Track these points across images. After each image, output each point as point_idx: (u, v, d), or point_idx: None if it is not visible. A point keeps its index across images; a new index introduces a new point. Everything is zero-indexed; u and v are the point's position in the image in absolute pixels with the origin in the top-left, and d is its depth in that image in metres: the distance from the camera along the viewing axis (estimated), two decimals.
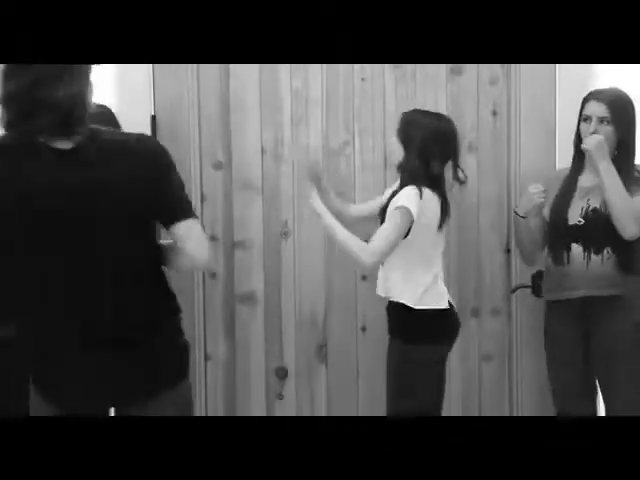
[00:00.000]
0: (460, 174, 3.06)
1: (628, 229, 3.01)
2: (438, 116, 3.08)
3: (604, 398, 3.16)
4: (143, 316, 2.19)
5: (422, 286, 2.98)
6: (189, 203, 2.27)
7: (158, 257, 2.29)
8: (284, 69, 3.46)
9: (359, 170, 3.51)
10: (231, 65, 3.46)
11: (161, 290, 2.29)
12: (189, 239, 2.21)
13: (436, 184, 2.98)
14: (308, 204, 3.03)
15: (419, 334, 2.99)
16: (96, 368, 2.12)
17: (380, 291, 3.09)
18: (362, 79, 3.49)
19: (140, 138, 2.24)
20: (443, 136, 3.01)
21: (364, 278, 3.48)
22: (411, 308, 2.96)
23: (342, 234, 2.93)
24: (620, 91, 3.11)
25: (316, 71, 3.47)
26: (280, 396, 3.56)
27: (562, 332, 3.19)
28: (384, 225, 2.93)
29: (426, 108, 3.19)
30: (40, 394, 2.18)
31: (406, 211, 2.87)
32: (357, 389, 3.57)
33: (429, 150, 2.96)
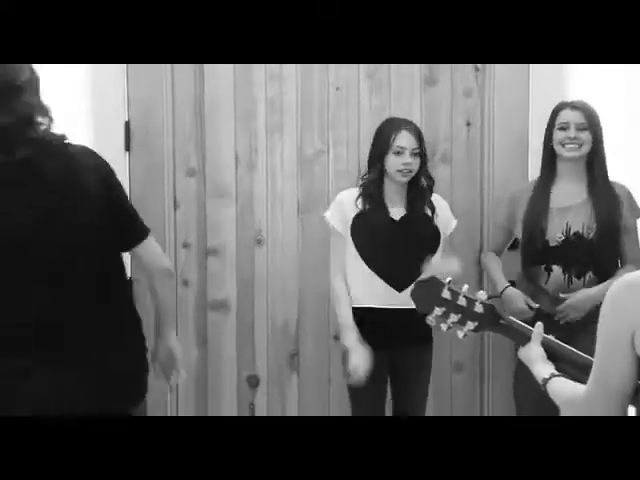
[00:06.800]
0: None
1: None
2: None
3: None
4: (109, 332, 2.15)
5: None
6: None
7: (122, 271, 2.29)
8: (259, 77, 3.47)
9: (333, 179, 3.52)
10: (206, 72, 3.45)
11: (128, 306, 2.26)
12: (149, 255, 2.33)
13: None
14: None
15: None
16: (53, 380, 2.07)
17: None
18: (337, 88, 3.50)
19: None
20: None
21: None
22: None
23: None
24: (586, 102, 3.17)
25: (291, 80, 3.48)
26: (251, 406, 3.54)
27: None
28: None
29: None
30: None
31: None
32: (328, 398, 3.56)
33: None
